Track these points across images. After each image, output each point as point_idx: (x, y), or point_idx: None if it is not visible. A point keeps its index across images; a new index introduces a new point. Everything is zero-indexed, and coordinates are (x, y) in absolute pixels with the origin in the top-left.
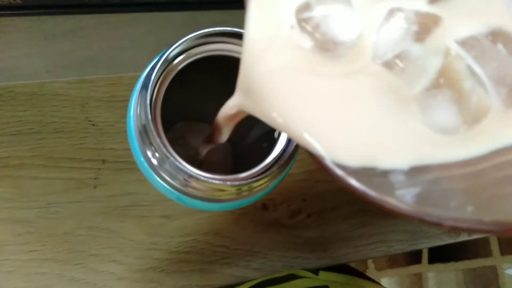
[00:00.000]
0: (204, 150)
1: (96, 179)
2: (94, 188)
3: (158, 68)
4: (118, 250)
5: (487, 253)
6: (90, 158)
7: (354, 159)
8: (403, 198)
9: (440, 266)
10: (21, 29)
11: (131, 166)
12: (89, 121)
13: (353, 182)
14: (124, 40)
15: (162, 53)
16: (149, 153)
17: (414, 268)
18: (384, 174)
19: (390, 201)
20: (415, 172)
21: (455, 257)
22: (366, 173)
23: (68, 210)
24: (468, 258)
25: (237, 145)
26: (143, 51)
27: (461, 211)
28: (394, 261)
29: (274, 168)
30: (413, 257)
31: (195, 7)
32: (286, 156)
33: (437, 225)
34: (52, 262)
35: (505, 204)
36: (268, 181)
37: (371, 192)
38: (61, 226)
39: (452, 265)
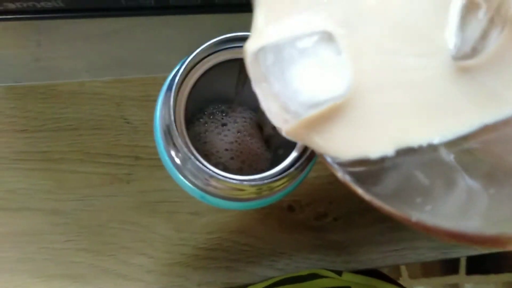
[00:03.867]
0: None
1: (129, 174)
2: (127, 183)
3: (182, 71)
4: (148, 244)
5: None
6: (125, 154)
7: (347, 153)
8: (379, 191)
9: (479, 277)
10: (63, 31)
11: (162, 163)
12: (124, 119)
13: (339, 174)
14: (158, 42)
15: (187, 56)
16: (172, 153)
17: (450, 278)
18: (374, 163)
19: (358, 190)
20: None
21: (496, 269)
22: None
23: (103, 204)
24: (510, 271)
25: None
26: (176, 52)
27: (421, 209)
28: (429, 270)
29: (292, 169)
30: (450, 267)
31: (226, 9)
32: (304, 157)
33: (401, 220)
34: (86, 252)
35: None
36: (287, 181)
37: (353, 185)
38: (95, 218)
39: (492, 278)
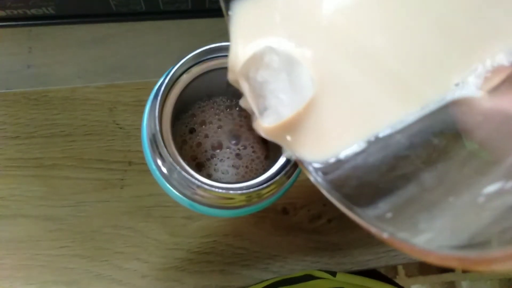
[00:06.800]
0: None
1: (122, 180)
2: (121, 188)
3: (167, 81)
4: (142, 248)
5: None
6: (117, 160)
7: (319, 156)
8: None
9: (475, 275)
10: (54, 37)
11: None
12: (116, 124)
13: (311, 177)
14: (150, 47)
15: (173, 66)
16: (159, 162)
17: (447, 276)
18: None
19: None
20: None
21: None
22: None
23: (96, 209)
24: None
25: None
26: (168, 57)
27: (382, 216)
28: (425, 268)
29: (279, 176)
30: None
31: (218, 14)
32: (291, 164)
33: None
34: (80, 258)
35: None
36: (275, 188)
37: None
38: (89, 224)
39: (488, 274)
